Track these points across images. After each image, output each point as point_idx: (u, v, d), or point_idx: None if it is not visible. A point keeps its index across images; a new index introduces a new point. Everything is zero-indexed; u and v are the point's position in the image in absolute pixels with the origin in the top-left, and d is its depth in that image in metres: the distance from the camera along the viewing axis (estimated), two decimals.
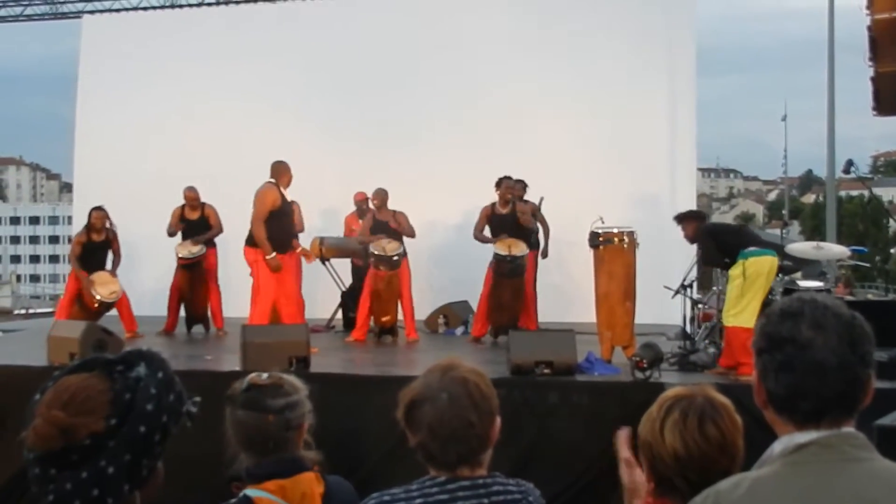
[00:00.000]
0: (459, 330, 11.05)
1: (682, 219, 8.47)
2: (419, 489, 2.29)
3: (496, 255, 9.90)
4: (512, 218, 10.09)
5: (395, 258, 9.94)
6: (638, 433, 2.27)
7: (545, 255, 10.55)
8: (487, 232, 10.15)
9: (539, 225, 10.54)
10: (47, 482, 1.60)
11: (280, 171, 9.04)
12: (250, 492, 2.63)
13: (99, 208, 10.77)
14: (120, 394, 1.62)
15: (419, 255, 11.51)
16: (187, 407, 1.72)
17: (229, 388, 2.77)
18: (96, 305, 10.39)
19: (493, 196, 10.23)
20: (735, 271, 7.58)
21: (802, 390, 1.72)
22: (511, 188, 10.18)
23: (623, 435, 2.56)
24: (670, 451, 2.17)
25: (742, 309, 7.43)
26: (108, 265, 10.75)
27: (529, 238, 10.23)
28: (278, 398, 2.72)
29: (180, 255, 10.92)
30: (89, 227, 10.71)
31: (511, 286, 9.97)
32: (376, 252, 9.95)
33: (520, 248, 9.86)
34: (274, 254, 8.80)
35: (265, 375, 2.78)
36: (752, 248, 7.64)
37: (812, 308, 1.75)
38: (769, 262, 7.63)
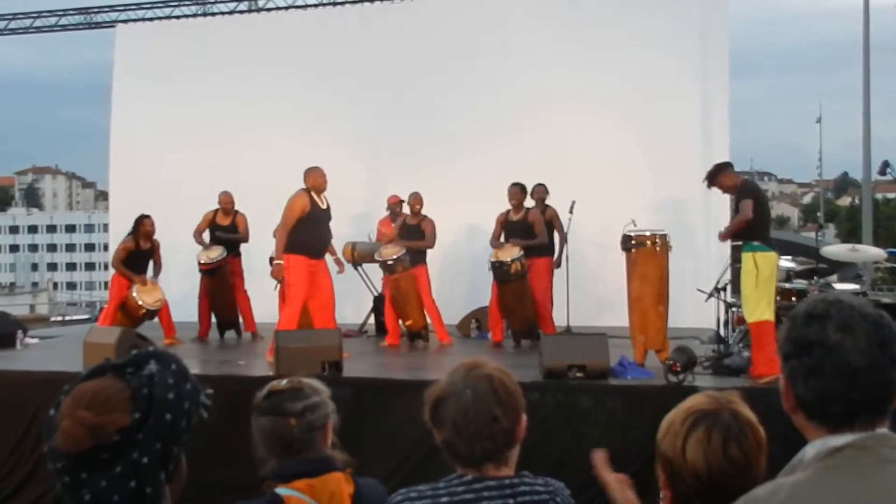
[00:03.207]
0: (491, 333, 11.05)
1: (714, 175, 8.06)
2: (446, 487, 2.29)
3: (489, 262, 10.06)
4: (523, 223, 10.22)
5: (391, 263, 10.07)
6: (657, 441, 2.23)
7: (558, 264, 10.53)
8: (503, 239, 10.28)
9: (556, 232, 10.57)
10: (79, 487, 1.62)
11: (306, 176, 9.06)
12: (280, 490, 2.64)
13: (149, 216, 10.85)
14: (138, 390, 1.64)
15: (452, 260, 11.56)
16: (202, 399, 1.75)
17: (254, 398, 2.80)
18: (142, 312, 10.48)
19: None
20: (748, 264, 7.47)
21: (833, 394, 1.69)
22: (514, 195, 10.28)
23: (601, 458, 2.51)
24: (691, 469, 2.11)
25: (758, 302, 7.37)
26: (149, 274, 10.84)
27: (544, 243, 10.28)
28: (297, 401, 2.74)
29: (201, 261, 11.03)
30: (137, 235, 10.77)
31: (511, 291, 10.04)
32: (377, 259, 10.18)
33: (508, 253, 9.95)
34: (282, 261, 8.82)
35: (284, 381, 2.81)
36: (757, 243, 7.49)
37: (838, 309, 1.72)
38: (775, 258, 7.57)
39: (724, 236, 7.93)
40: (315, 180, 9.03)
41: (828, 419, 1.71)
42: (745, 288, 7.56)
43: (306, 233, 8.90)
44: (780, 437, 2.19)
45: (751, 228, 7.53)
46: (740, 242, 7.73)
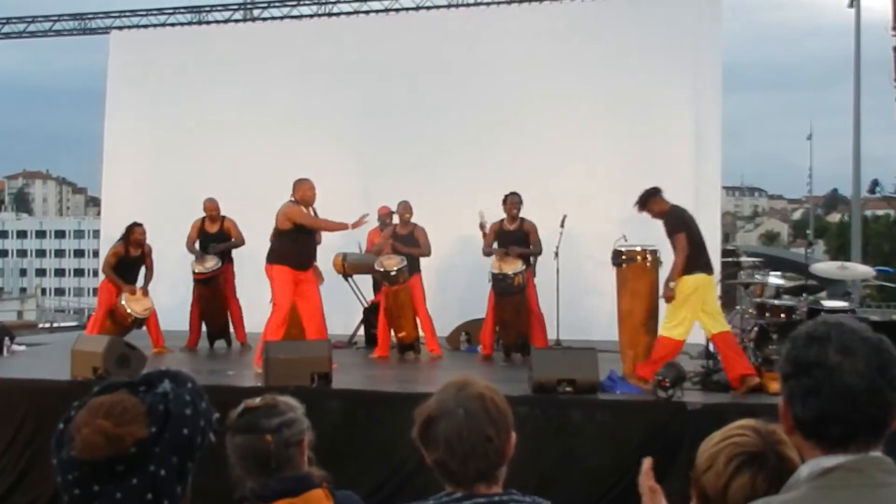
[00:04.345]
0: (482, 347, 11.03)
1: (645, 201, 8.22)
2: None
3: (490, 274, 9.97)
4: (519, 234, 10.16)
5: (394, 274, 9.94)
6: (696, 468, 2.21)
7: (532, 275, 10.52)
8: (496, 248, 10.20)
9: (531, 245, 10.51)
10: (90, 500, 1.61)
11: (295, 188, 9.10)
12: None
13: (140, 224, 10.82)
14: (154, 406, 1.65)
15: (443, 272, 11.54)
16: (214, 420, 1.75)
17: (227, 418, 2.78)
18: (131, 321, 10.43)
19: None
20: (683, 292, 7.76)
21: (832, 415, 1.70)
22: (515, 204, 10.22)
23: (647, 464, 2.50)
24: None
25: (678, 323, 7.71)
26: (139, 282, 10.79)
27: (539, 252, 10.30)
28: (273, 418, 2.73)
29: (196, 271, 10.99)
30: (128, 241, 10.73)
31: (510, 303, 9.98)
32: (378, 269, 10.04)
33: (512, 266, 9.86)
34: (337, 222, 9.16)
35: (258, 399, 2.81)
36: (694, 272, 7.82)
37: (839, 332, 1.73)
38: (695, 280, 7.77)
39: (675, 279, 7.83)
40: (304, 193, 9.05)
41: (824, 440, 1.72)
42: (680, 310, 7.80)
43: (292, 244, 8.95)
44: None
45: (688, 260, 7.79)
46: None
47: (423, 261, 10.57)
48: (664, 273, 8.49)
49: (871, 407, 1.70)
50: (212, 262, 10.97)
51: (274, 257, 8.99)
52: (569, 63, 12.80)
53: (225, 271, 11.17)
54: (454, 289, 11.94)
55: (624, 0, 12.96)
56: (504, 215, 10.28)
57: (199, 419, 1.68)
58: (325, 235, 10.76)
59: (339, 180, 12.56)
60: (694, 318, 7.79)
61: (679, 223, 7.95)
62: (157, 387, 1.69)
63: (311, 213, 9.16)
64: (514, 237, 10.15)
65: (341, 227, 9.19)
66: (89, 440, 1.59)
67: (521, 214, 10.27)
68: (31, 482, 7.47)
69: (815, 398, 1.71)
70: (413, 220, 10.58)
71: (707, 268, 7.97)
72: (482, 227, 10.36)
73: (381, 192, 12.01)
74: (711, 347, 9.38)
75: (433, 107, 13.16)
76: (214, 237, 11.17)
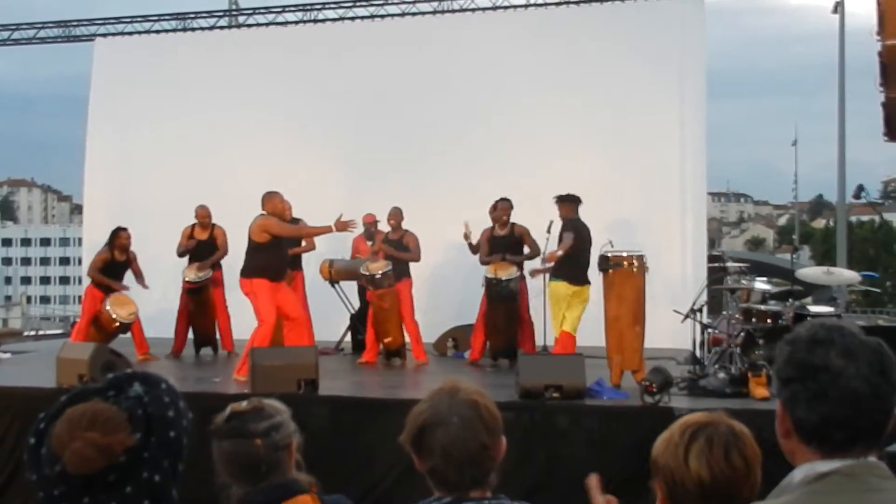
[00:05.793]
0: (469, 353, 11.02)
1: (566, 199, 9.46)
2: None
3: (485, 278, 9.97)
4: (511, 239, 10.15)
5: (378, 277, 9.92)
6: (653, 458, 2.24)
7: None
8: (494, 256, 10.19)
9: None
10: None
11: (265, 201, 9.11)
12: None
13: (125, 228, 10.78)
14: (132, 410, 1.63)
15: (429, 278, 11.51)
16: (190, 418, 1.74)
17: (212, 423, 2.75)
18: (116, 325, 10.36)
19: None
20: (569, 290, 8.94)
21: (837, 420, 1.70)
22: (505, 209, 10.21)
23: (594, 480, 2.51)
24: (695, 478, 2.13)
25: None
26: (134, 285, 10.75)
27: (536, 255, 10.26)
28: (261, 421, 2.69)
29: (186, 279, 10.94)
30: (113, 247, 10.70)
31: (503, 309, 9.97)
32: (364, 272, 10.03)
33: (507, 272, 9.86)
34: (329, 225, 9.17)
35: (244, 403, 2.77)
36: (560, 277, 9.01)
37: (841, 335, 1.73)
38: (564, 288, 9.03)
39: (550, 259, 9.15)
40: (275, 206, 9.08)
41: (826, 445, 1.72)
42: (560, 308, 9.01)
43: (267, 257, 8.94)
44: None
45: (566, 260, 8.88)
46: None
47: (412, 266, 10.56)
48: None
49: (874, 412, 1.70)
50: (203, 272, 10.94)
51: (250, 271, 8.97)
52: (553, 69, 12.82)
53: (214, 279, 11.13)
54: (443, 294, 11.93)
55: (607, 6, 12.99)
56: (491, 222, 10.28)
57: (182, 420, 1.66)
58: (313, 241, 10.77)
59: (326, 186, 12.55)
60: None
61: (572, 228, 9.11)
62: (126, 390, 1.66)
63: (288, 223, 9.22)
64: (506, 243, 10.14)
65: (325, 230, 9.16)
66: (82, 454, 1.56)
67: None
68: (17, 488, 7.42)
69: (821, 403, 1.71)
70: (402, 225, 10.58)
71: (577, 280, 9.00)
72: (467, 237, 10.34)
73: (369, 198, 11.99)
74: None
75: (420, 112, 13.15)
76: (204, 244, 11.13)
